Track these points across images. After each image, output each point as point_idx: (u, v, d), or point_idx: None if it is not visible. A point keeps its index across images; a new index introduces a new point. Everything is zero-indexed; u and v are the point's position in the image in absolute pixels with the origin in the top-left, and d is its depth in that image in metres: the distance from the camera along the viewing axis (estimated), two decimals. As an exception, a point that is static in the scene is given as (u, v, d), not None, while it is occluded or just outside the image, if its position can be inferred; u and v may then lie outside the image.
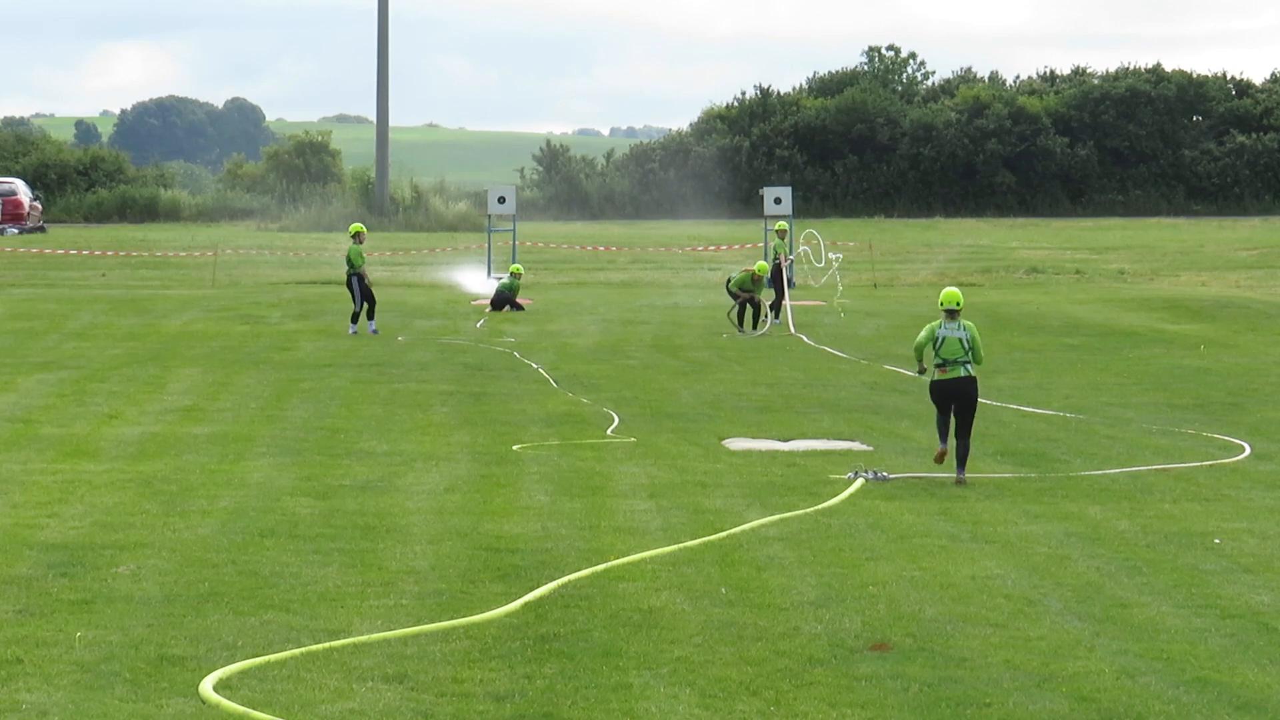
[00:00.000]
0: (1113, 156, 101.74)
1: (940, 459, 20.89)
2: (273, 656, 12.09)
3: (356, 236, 38.58)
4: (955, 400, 20.89)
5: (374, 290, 38.73)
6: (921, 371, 21.43)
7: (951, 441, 20.58)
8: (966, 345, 20.80)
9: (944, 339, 20.93)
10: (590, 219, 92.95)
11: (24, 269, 58.99)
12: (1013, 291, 51.90)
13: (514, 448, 22.16)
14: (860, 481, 19.58)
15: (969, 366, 20.87)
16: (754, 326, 39.47)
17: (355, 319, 38.02)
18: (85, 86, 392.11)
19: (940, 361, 20.91)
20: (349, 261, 38.15)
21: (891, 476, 20.00)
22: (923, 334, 21.09)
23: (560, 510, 17.81)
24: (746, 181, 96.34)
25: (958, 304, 21.00)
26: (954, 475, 20.15)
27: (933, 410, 20.89)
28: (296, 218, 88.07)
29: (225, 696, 11.15)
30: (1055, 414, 26.28)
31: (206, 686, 11.30)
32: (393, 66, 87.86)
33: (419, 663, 12.05)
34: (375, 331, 37.63)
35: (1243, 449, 22.66)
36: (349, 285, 38.17)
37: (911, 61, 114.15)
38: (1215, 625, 13.33)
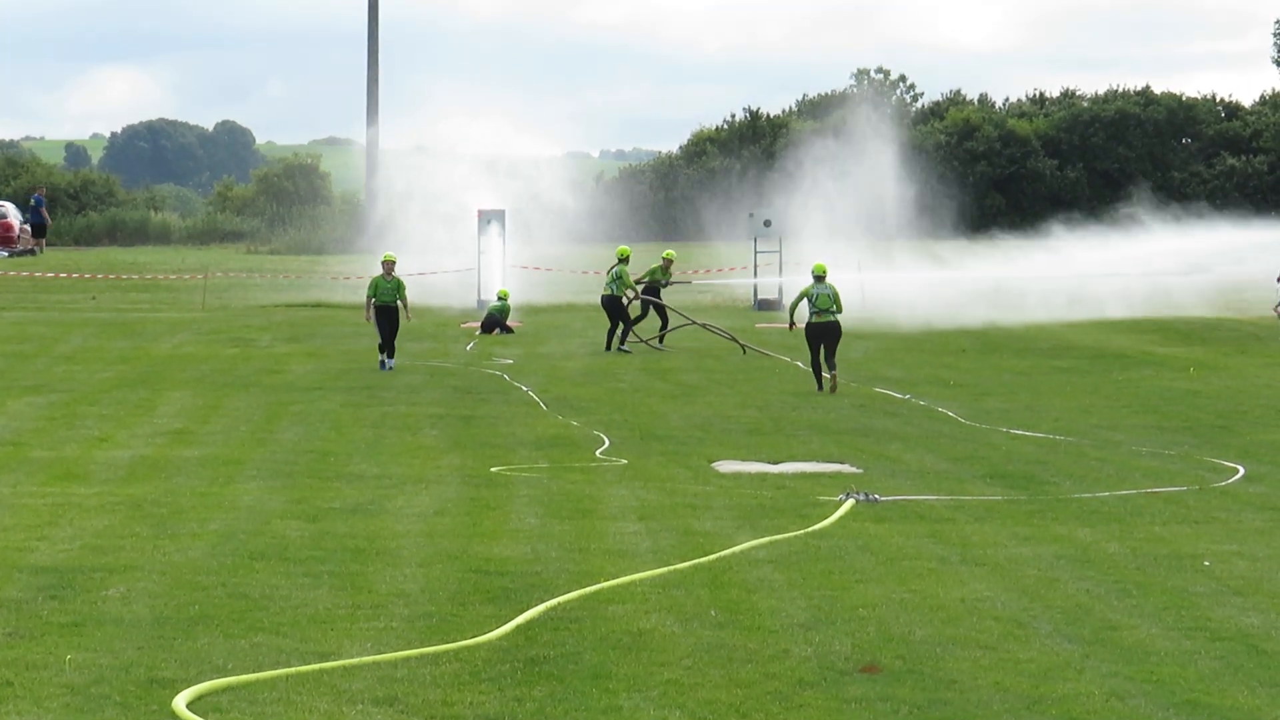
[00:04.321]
0: (1102, 179, 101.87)
1: (821, 385, 32.01)
2: (238, 678, 12.06)
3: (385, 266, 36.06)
4: (825, 337, 31.94)
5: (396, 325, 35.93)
6: (791, 327, 33.11)
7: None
8: (832, 298, 31.90)
9: (817, 294, 32.10)
10: (580, 242, 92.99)
11: (14, 292, 58.96)
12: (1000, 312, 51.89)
13: (492, 469, 22.17)
14: (851, 502, 19.59)
15: (834, 313, 31.85)
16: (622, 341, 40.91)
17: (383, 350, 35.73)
18: (75, 109, 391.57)
19: (815, 310, 31.94)
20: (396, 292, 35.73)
21: (883, 499, 20.01)
22: (796, 296, 32.75)
23: (550, 533, 17.80)
24: (736, 204, 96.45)
25: (824, 272, 32.38)
26: (939, 496, 20.23)
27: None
28: (286, 240, 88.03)
29: (217, 719, 11.14)
30: (1045, 436, 26.30)
31: (179, 704, 11.32)
32: (382, 89, 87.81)
33: (409, 685, 12.04)
34: (389, 367, 35.43)
35: (1235, 471, 22.69)
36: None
37: (901, 84, 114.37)
38: (1205, 647, 13.33)
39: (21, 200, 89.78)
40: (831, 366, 31.98)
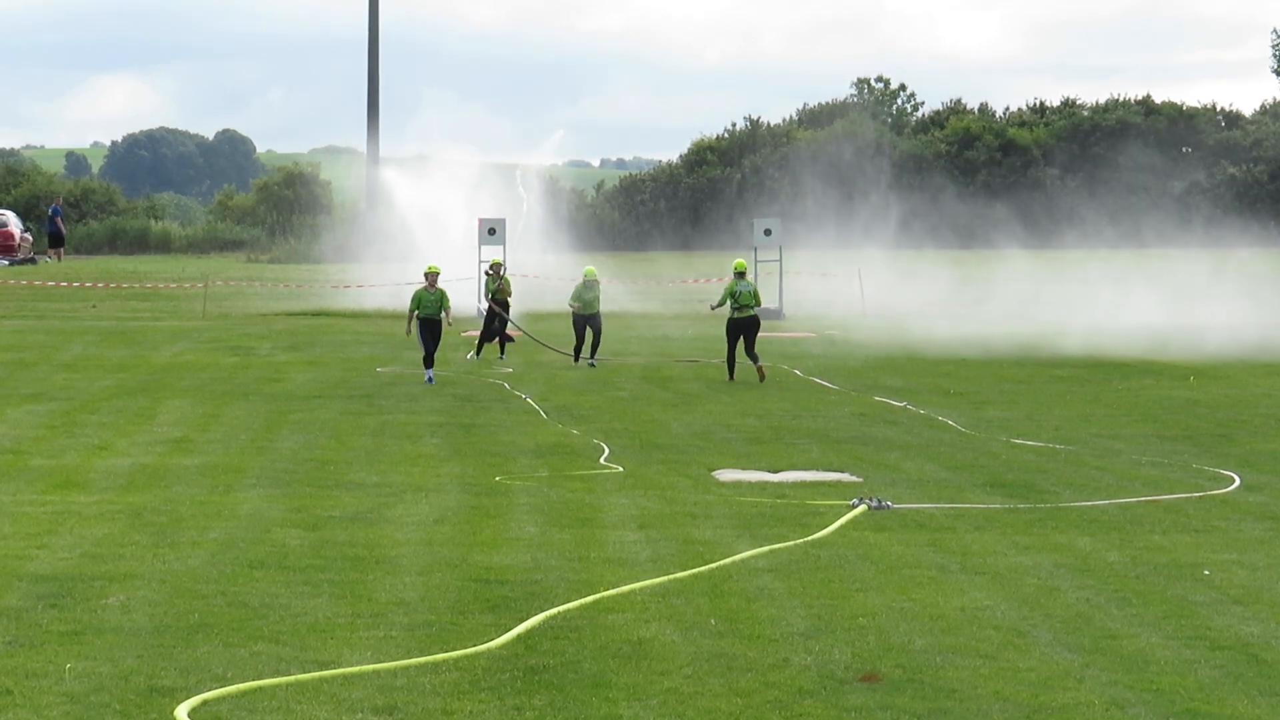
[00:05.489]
0: (1103, 188, 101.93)
1: (733, 377, 35.13)
2: (237, 687, 12.06)
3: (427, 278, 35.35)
4: (745, 330, 34.82)
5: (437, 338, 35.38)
6: (714, 308, 36.40)
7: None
8: (752, 294, 34.88)
9: (740, 291, 34.88)
10: (580, 250, 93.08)
11: (14, 300, 58.99)
12: (1001, 323, 51.92)
13: (496, 479, 22.17)
14: (862, 507, 19.62)
15: (754, 308, 34.84)
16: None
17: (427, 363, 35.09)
18: (75, 118, 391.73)
19: (737, 305, 34.84)
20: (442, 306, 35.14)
21: (895, 506, 20.02)
22: (724, 291, 35.12)
23: (550, 541, 17.80)
24: (737, 212, 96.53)
25: (743, 269, 35.56)
26: (939, 504, 20.24)
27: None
28: (286, 249, 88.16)
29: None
30: (1044, 445, 26.30)
31: (181, 713, 11.33)
32: (383, 97, 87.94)
33: (409, 694, 12.04)
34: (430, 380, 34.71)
35: (1232, 480, 22.67)
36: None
37: (901, 93, 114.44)
38: (1205, 656, 13.33)
39: (22, 209, 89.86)
40: (753, 356, 34.98)
